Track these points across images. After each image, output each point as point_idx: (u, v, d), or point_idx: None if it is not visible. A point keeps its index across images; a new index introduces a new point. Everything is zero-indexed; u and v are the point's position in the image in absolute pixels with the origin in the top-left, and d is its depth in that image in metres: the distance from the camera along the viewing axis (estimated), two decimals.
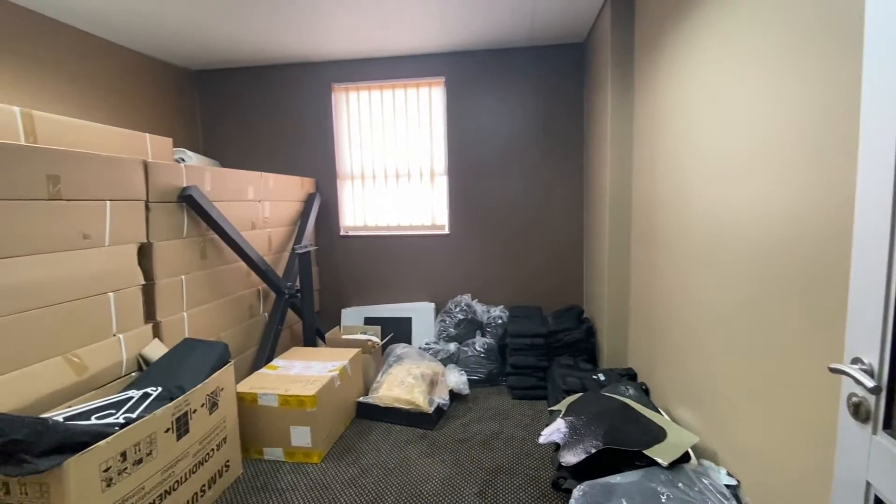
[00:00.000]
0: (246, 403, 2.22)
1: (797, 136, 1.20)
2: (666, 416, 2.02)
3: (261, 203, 3.05)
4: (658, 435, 1.77)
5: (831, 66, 1.08)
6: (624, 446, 1.69)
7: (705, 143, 1.75)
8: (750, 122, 1.43)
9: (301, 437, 2.22)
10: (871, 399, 0.81)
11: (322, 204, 3.83)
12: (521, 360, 3.01)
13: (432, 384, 2.77)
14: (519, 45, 3.50)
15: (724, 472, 1.58)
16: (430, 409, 2.55)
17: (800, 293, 1.20)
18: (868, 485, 0.83)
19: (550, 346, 3.05)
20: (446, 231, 3.77)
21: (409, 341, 3.57)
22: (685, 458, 1.68)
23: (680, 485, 1.49)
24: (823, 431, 1.13)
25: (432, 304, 3.72)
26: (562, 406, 2.19)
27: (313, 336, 3.20)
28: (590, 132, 3.35)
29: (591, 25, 3.14)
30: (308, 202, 3.63)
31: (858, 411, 0.84)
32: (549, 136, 3.58)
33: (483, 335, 3.41)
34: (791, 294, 1.24)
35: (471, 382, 3.05)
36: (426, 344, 3.41)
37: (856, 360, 0.85)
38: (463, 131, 3.66)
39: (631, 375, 2.63)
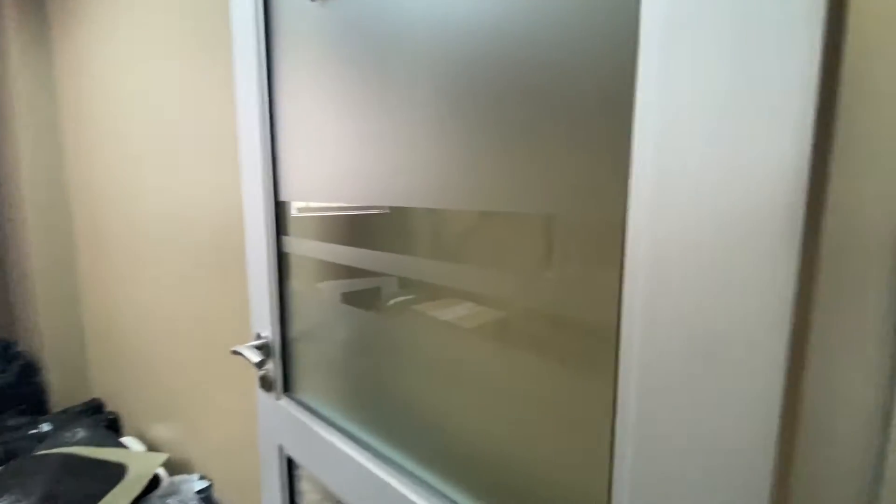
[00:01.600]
0: None
1: (210, 131, 1.19)
2: (133, 446, 1.71)
3: None
4: (117, 475, 1.45)
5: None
6: None
7: (133, 132, 1.52)
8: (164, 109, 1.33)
9: None
10: (273, 369, 0.88)
11: None
12: None
13: None
14: None
15: (196, 477, 1.49)
16: None
17: (231, 292, 1.22)
18: (281, 448, 0.92)
19: None
20: None
21: None
22: (155, 483, 1.46)
23: None
24: (254, 412, 1.21)
25: None
26: None
27: None
28: None
29: None
30: None
31: (266, 382, 0.90)
32: None
33: None
34: (224, 291, 1.25)
35: None
36: None
37: (258, 336, 0.91)
38: None
39: (95, 409, 2.09)
